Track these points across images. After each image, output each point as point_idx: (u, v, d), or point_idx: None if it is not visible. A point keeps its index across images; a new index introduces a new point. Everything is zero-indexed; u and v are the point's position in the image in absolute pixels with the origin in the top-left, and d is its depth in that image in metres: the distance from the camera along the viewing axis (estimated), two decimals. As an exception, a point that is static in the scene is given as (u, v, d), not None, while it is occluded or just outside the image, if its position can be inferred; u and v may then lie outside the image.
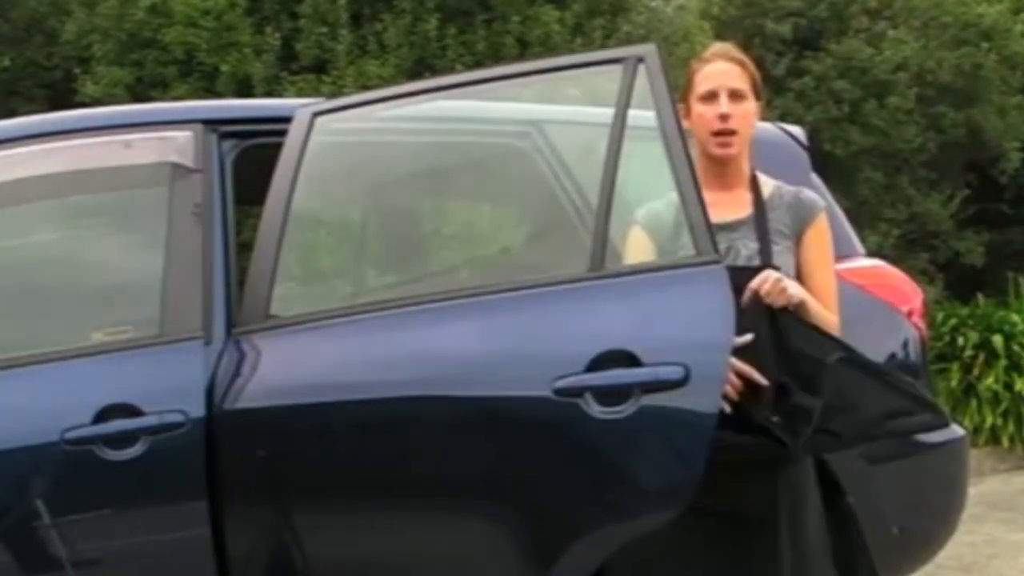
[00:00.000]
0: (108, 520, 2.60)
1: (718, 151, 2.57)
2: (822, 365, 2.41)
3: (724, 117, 2.54)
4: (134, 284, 2.89)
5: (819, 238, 2.61)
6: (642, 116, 2.52)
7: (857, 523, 2.95)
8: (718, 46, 2.71)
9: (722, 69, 2.59)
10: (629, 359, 2.39)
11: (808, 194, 2.68)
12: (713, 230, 2.41)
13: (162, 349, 2.70)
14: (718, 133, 2.55)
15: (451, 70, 6.63)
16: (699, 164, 2.61)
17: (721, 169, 2.60)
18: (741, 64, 2.61)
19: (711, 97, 2.56)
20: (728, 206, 2.57)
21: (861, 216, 8.28)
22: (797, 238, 2.58)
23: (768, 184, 2.64)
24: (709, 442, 2.32)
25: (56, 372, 2.67)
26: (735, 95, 2.56)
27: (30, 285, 2.94)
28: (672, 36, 8.36)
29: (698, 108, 2.58)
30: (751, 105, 2.60)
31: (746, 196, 2.60)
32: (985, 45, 9.68)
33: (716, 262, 2.38)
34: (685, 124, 2.61)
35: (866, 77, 9.39)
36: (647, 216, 2.62)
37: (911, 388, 2.56)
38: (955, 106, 9.80)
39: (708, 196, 2.58)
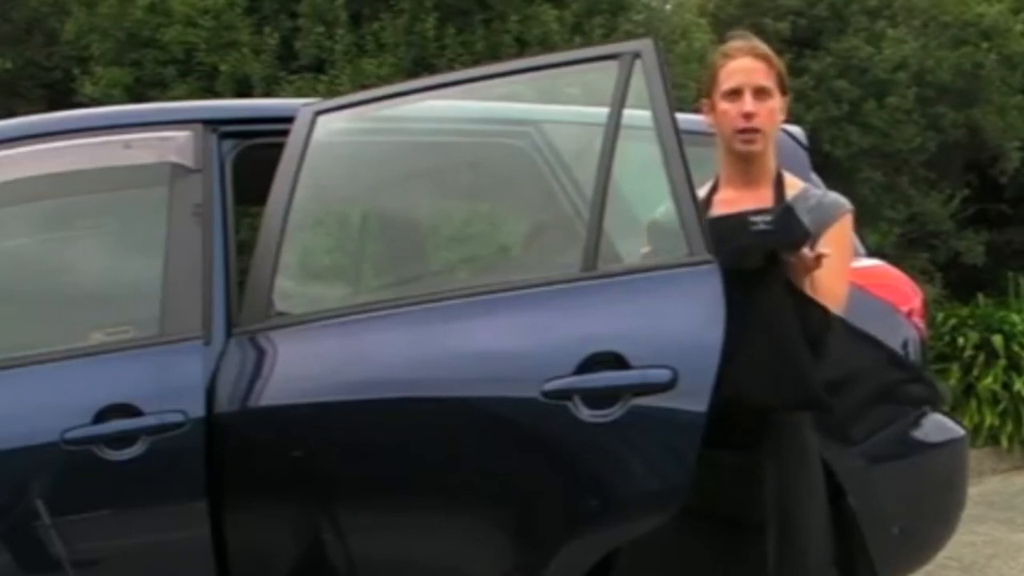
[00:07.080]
0: (108, 520, 2.60)
1: (742, 147, 2.54)
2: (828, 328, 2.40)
3: (748, 115, 2.51)
4: (134, 284, 2.89)
5: (834, 237, 2.54)
6: (641, 113, 2.50)
7: (857, 523, 2.95)
8: (742, 41, 2.64)
9: (747, 66, 2.54)
10: (618, 361, 2.37)
11: (833, 197, 2.64)
12: (707, 230, 2.37)
13: (162, 349, 2.70)
14: (743, 131, 2.52)
15: (450, 70, 6.61)
16: (723, 160, 2.59)
17: (745, 166, 2.57)
18: (767, 60, 2.56)
19: (735, 94, 2.53)
20: (748, 204, 2.53)
21: (861, 216, 8.21)
22: (816, 240, 2.51)
23: (795, 185, 2.60)
24: (699, 444, 2.30)
25: (56, 372, 2.67)
26: (760, 92, 2.52)
27: (30, 285, 2.94)
28: (671, 35, 8.35)
29: (722, 105, 2.54)
30: (776, 102, 2.56)
31: (768, 195, 2.55)
32: (985, 45, 9.67)
33: (708, 262, 2.35)
34: (708, 120, 2.59)
35: (866, 76, 9.39)
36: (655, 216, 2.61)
37: (907, 361, 2.52)
38: (955, 106, 9.79)
39: (730, 193, 2.57)
